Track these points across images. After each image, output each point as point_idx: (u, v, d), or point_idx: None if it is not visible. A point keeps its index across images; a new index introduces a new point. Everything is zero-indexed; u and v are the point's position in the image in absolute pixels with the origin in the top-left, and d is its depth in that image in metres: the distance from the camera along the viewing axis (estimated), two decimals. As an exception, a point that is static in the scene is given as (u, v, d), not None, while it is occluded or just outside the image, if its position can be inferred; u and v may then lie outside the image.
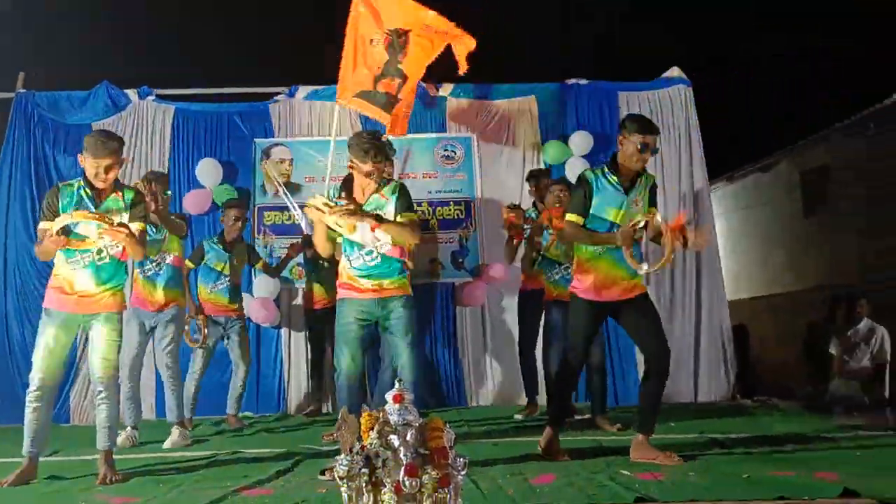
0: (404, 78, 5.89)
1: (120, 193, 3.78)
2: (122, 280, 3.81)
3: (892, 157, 8.68)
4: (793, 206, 10.75)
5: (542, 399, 5.73)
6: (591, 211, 3.76)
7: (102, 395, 3.70)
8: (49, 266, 6.65)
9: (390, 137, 5.83)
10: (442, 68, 6.14)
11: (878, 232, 8.90)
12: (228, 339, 5.70)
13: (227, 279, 5.64)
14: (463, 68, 5.69)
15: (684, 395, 6.61)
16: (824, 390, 6.52)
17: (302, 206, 6.44)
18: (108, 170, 3.66)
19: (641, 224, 3.71)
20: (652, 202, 3.87)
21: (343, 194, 3.85)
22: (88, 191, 3.70)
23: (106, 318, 3.70)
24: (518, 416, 5.59)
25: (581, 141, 6.89)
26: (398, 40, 5.83)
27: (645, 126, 3.76)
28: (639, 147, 3.71)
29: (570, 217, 3.83)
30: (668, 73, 7.35)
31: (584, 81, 7.25)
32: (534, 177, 6.02)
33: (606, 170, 3.80)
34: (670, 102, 7.19)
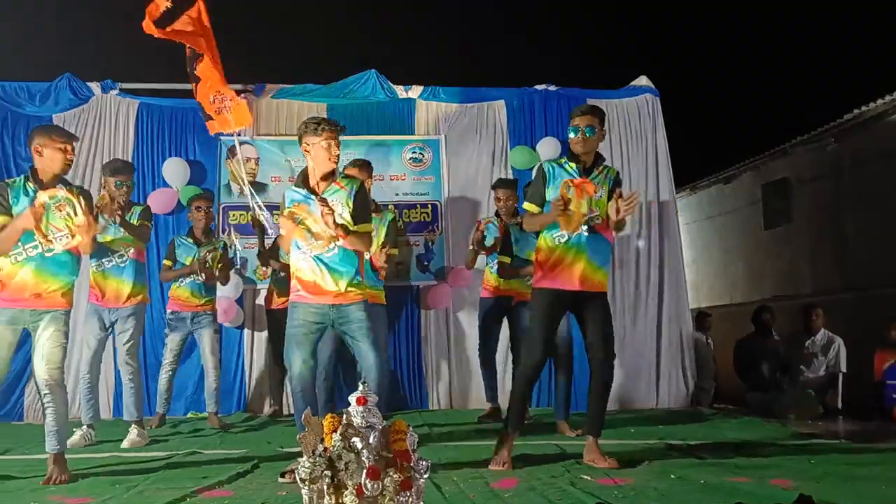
0: (197, 81, 6.20)
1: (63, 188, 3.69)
2: (73, 276, 3.67)
3: (851, 172, 8.90)
4: (754, 218, 10.93)
5: (504, 403, 5.77)
6: (548, 199, 3.80)
7: (48, 397, 3.57)
8: None
9: None
10: (412, 70, 6.17)
11: (835, 244, 9.12)
12: (198, 334, 5.65)
13: (196, 275, 5.58)
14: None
15: (644, 401, 6.70)
16: (779, 399, 6.63)
17: (270, 208, 6.38)
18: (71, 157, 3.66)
19: (569, 194, 3.67)
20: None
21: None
22: (33, 184, 3.62)
23: (52, 318, 3.58)
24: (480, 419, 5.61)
25: (548, 147, 6.92)
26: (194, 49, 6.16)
27: (577, 111, 3.85)
28: (571, 131, 3.82)
29: (525, 205, 3.96)
30: (636, 82, 7.42)
31: (552, 88, 7.30)
32: (494, 186, 6.07)
33: (565, 160, 3.89)
34: (637, 111, 7.27)
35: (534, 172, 4.08)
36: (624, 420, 5.62)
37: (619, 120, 7.21)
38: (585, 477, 3.35)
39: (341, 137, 3.79)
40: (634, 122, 7.22)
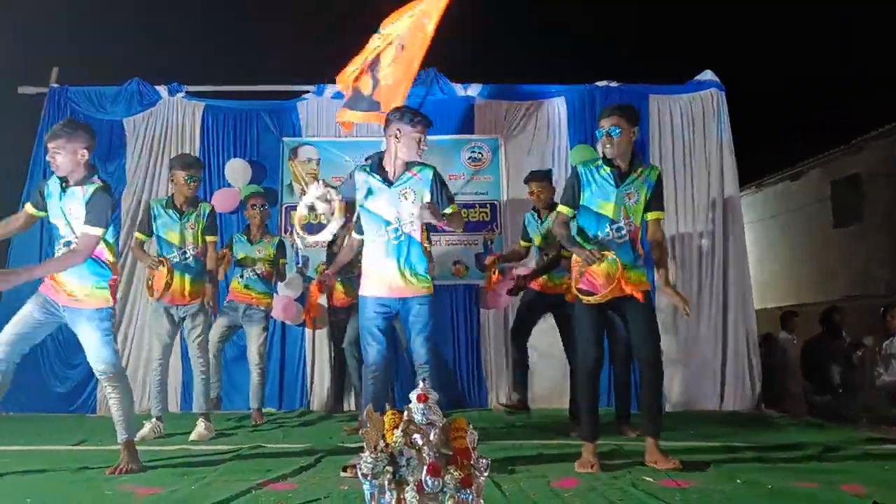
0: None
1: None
2: (105, 277, 3.67)
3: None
4: (823, 216, 10.60)
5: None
6: (582, 203, 3.79)
7: (108, 390, 3.68)
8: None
9: None
10: (471, 68, 6.15)
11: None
12: (246, 329, 5.76)
13: (251, 270, 5.71)
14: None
15: (708, 403, 6.56)
16: (850, 402, 6.41)
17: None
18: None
19: (610, 258, 3.67)
20: (656, 201, 3.80)
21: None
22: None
23: (87, 317, 3.60)
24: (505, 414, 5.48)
25: (609, 145, 6.83)
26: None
27: (603, 112, 3.81)
28: (598, 133, 3.78)
29: (559, 208, 3.91)
30: (700, 77, 7.27)
31: (614, 84, 7.20)
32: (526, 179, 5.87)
33: (601, 162, 3.80)
34: (702, 106, 7.12)
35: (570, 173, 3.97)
36: (687, 422, 5.52)
37: (683, 116, 7.08)
38: (647, 478, 3.31)
39: None
40: (698, 117, 7.07)
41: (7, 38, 9.01)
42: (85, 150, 3.65)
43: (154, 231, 5.02)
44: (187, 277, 4.98)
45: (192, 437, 4.79)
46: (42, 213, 3.75)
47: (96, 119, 7.10)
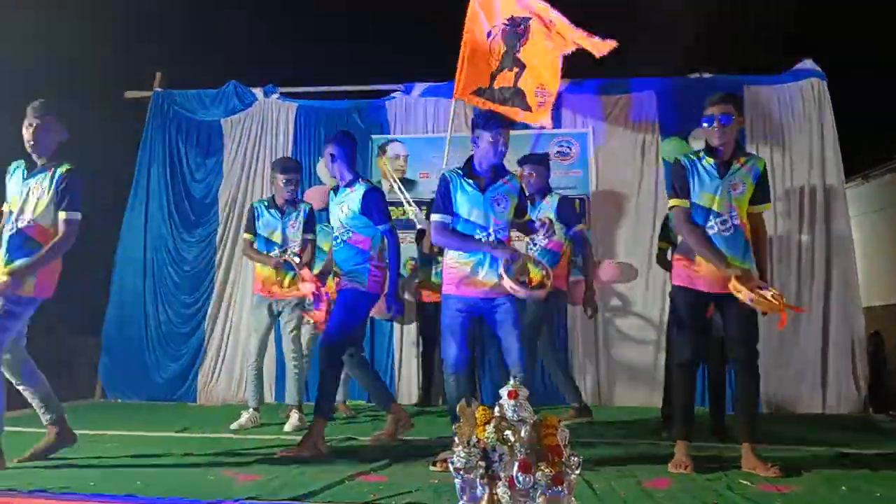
0: (521, 67, 5.95)
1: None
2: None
3: None
4: (936, 208, 9.99)
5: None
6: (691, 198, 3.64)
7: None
8: (180, 253, 7.06)
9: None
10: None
11: None
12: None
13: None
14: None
15: (810, 406, 6.27)
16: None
17: (419, 204, 6.61)
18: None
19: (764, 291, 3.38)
20: (763, 193, 3.66)
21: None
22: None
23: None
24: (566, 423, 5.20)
25: (702, 140, 6.62)
26: (516, 29, 5.90)
27: (711, 100, 3.63)
28: (705, 121, 3.62)
29: (674, 202, 3.69)
30: (800, 65, 6.94)
31: (707, 75, 6.97)
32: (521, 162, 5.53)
33: (702, 153, 3.69)
34: (801, 96, 6.81)
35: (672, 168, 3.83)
36: (787, 425, 5.31)
37: (782, 107, 6.78)
38: (744, 482, 3.20)
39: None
40: (798, 108, 6.74)
41: (119, 43, 9.51)
42: (64, 132, 3.64)
43: (257, 230, 5.20)
44: (288, 273, 5.12)
45: (287, 427, 4.94)
46: None
47: (195, 121, 7.44)
